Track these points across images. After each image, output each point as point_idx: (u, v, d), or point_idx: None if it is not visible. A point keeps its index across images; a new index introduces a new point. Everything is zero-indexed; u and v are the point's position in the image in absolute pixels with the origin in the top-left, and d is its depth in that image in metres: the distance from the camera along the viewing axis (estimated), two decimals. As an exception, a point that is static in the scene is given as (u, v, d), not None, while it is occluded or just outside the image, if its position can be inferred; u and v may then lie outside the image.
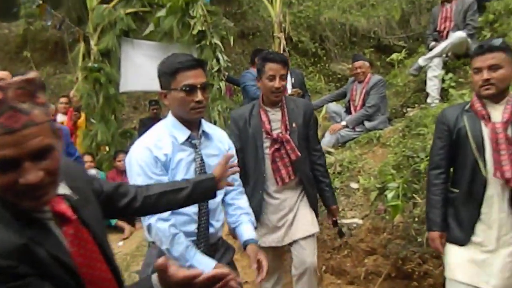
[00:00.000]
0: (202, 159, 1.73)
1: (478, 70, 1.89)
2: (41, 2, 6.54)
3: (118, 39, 5.09)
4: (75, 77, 5.57)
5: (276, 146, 2.32)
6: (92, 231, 1.01)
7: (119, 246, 4.48)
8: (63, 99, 5.42)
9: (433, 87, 4.35)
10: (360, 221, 3.24)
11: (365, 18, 9.31)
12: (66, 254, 0.93)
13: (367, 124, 4.14)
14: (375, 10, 9.40)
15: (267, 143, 2.35)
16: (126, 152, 5.21)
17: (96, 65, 4.96)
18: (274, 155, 2.32)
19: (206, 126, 1.82)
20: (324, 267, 3.22)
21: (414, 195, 3.04)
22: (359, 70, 4.21)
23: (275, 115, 2.37)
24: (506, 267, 1.90)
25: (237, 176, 1.90)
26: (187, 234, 1.69)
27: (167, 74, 1.68)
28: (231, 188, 1.83)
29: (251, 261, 1.73)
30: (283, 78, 2.29)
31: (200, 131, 1.76)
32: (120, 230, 4.75)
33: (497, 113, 1.90)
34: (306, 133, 2.41)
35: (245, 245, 1.80)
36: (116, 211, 1.30)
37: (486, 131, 1.89)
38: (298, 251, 2.39)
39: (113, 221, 4.82)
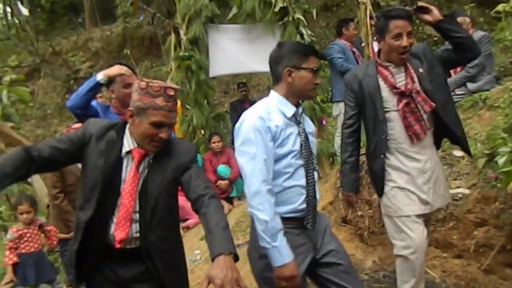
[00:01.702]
0: (306, 135, 1.84)
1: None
2: (134, -1, 7.03)
3: (204, 26, 5.28)
4: (169, 67, 5.93)
5: (405, 101, 2.15)
6: (145, 182, 1.64)
7: (219, 222, 4.75)
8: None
9: None
10: (467, 191, 2.99)
11: (464, -32, 8.37)
12: (119, 175, 1.63)
13: (470, 85, 3.76)
14: (476, -43, 8.39)
15: (391, 100, 2.19)
16: (219, 135, 5.49)
17: (186, 53, 5.22)
18: (404, 110, 2.15)
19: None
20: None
21: (531, 159, 2.70)
22: (458, 27, 3.81)
23: (397, 68, 2.20)
24: None
25: None
26: (297, 207, 1.80)
27: (300, 54, 1.80)
28: None
29: None
30: (410, 35, 2.11)
31: (300, 110, 1.87)
32: (219, 207, 5.03)
33: None
34: (438, 76, 2.22)
35: None
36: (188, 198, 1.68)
37: None
38: (427, 221, 2.31)
39: (213, 200, 5.11)
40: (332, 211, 3.90)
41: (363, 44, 4.22)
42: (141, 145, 1.64)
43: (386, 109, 2.19)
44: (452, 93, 3.84)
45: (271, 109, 1.78)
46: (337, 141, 4.69)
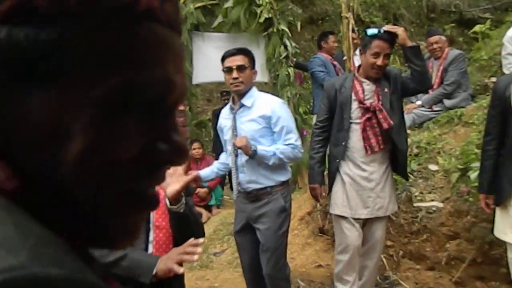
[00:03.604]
0: (234, 125, 2.37)
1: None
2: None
3: (189, 33, 5.29)
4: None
5: (368, 115, 2.38)
6: None
7: (197, 230, 4.71)
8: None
9: (508, 65, 3.94)
10: (441, 204, 3.05)
11: (444, -9, 8.66)
12: None
13: (447, 102, 3.86)
14: (455, -19, 8.69)
15: (357, 113, 2.42)
16: (200, 142, 5.46)
17: (170, 59, 5.21)
18: (365, 124, 2.38)
19: (248, 100, 2.32)
20: (401, 252, 3.10)
21: (502, 175, 2.78)
22: (435, 46, 3.93)
23: (370, 86, 2.42)
24: None
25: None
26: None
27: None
28: None
29: None
30: (387, 57, 2.34)
31: (239, 103, 2.34)
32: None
33: None
34: (398, 100, 2.46)
35: None
36: None
37: None
38: (374, 225, 2.47)
39: (191, 207, 5.07)
40: (310, 221, 3.92)
41: (344, 58, 4.30)
42: None
43: (351, 120, 2.42)
44: (430, 109, 3.96)
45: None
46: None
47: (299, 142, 2.34)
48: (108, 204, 0.33)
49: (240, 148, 2.23)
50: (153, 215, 1.48)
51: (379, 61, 2.30)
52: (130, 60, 0.32)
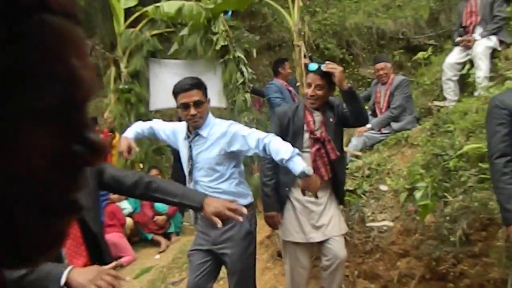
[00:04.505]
0: (191, 154, 2.35)
1: None
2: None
3: (145, 60, 5.31)
4: (107, 99, 5.84)
5: (317, 146, 2.48)
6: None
7: (156, 259, 4.60)
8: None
9: (448, 90, 4.25)
10: (391, 224, 3.17)
11: (392, 20, 9.17)
12: None
13: (394, 125, 4.07)
14: (402, 11, 9.24)
15: (307, 143, 2.50)
16: (159, 168, 5.39)
17: (126, 86, 5.19)
18: (315, 154, 2.47)
19: (204, 130, 2.32)
20: (356, 272, 3.17)
21: (445, 193, 2.95)
22: (381, 72, 4.16)
23: (319, 117, 2.53)
24: None
25: None
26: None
27: (173, 94, 2.30)
28: None
29: None
30: (318, 87, 2.45)
31: (195, 132, 2.34)
32: (156, 244, 4.89)
33: None
34: (340, 130, 2.58)
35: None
36: (120, 193, 1.76)
37: None
38: (332, 245, 2.51)
39: (149, 236, 4.97)
40: (270, 245, 3.94)
41: (298, 84, 4.45)
42: None
43: (302, 150, 2.45)
44: (379, 132, 4.15)
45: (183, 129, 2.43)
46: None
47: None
48: (26, 220, 0.30)
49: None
50: None
51: (310, 91, 2.45)
52: (20, 59, 0.28)
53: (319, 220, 2.49)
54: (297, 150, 2.16)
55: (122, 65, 5.30)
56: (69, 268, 1.28)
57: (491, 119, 1.99)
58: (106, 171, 1.64)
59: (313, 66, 2.44)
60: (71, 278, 1.26)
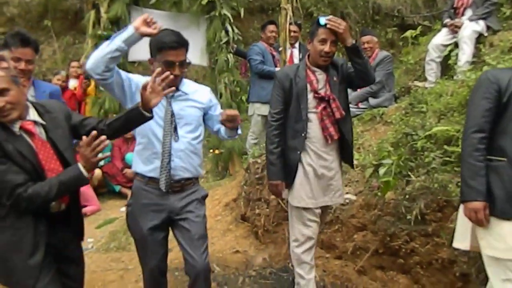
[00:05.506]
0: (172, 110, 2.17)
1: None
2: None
3: (127, 7, 5.08)
4: (85, 44, 5.62)
5: (323, 105, 2.39)
6: (54, 143, 1.79)
7: (121, 211, 4.59)
8: (74, 63, 5.50)
9: (430, 71, 4.21)
10: (354, 197, 3.20)
11: (389, -5, 8.98)
12: (30, 150, 1.72)
13: (372, 101, 4.04)
14: (400, -13, 9.03)
15: (313, 103, 2.40)
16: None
17: (105, 33, 4.97)
18: (322, 114, 2.39)
19: (184, 86, 2.22)
20: (314, 241, 3.22)
21: (409, 172, 2.97)
22: (366, 45, 4.09)
23: (322, 75, 2.42)
24: None
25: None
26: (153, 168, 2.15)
27: (156, 48, 2.08)
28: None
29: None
30: (333, 43, 2.32)
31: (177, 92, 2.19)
32: (124, 196, 4.87)
33: None
34: (345, 89, 2.49)
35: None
36: (84, 134, 1.80)
37: None
38: (323, 214, 2.61)
39: (117, 188, 4.94)
40: (234, 208, 3.96)
41: (280, 49, 4.34)
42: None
43: (308, 110, 2.39)
44: (356, 106, 4.12)
45: None
46: (249, 140, 4.77)
47: None
48: None
49: (230, 120, 2.15)
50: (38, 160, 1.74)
51: (326, 48, 2.30)
52: None
53: (329, 185, 2.47)
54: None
55: (102, 10, 5.06)
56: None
57: (477, 91, 1.91)
58: (73, 116, 1.92)
59: (324, 20, 2.27)
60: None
